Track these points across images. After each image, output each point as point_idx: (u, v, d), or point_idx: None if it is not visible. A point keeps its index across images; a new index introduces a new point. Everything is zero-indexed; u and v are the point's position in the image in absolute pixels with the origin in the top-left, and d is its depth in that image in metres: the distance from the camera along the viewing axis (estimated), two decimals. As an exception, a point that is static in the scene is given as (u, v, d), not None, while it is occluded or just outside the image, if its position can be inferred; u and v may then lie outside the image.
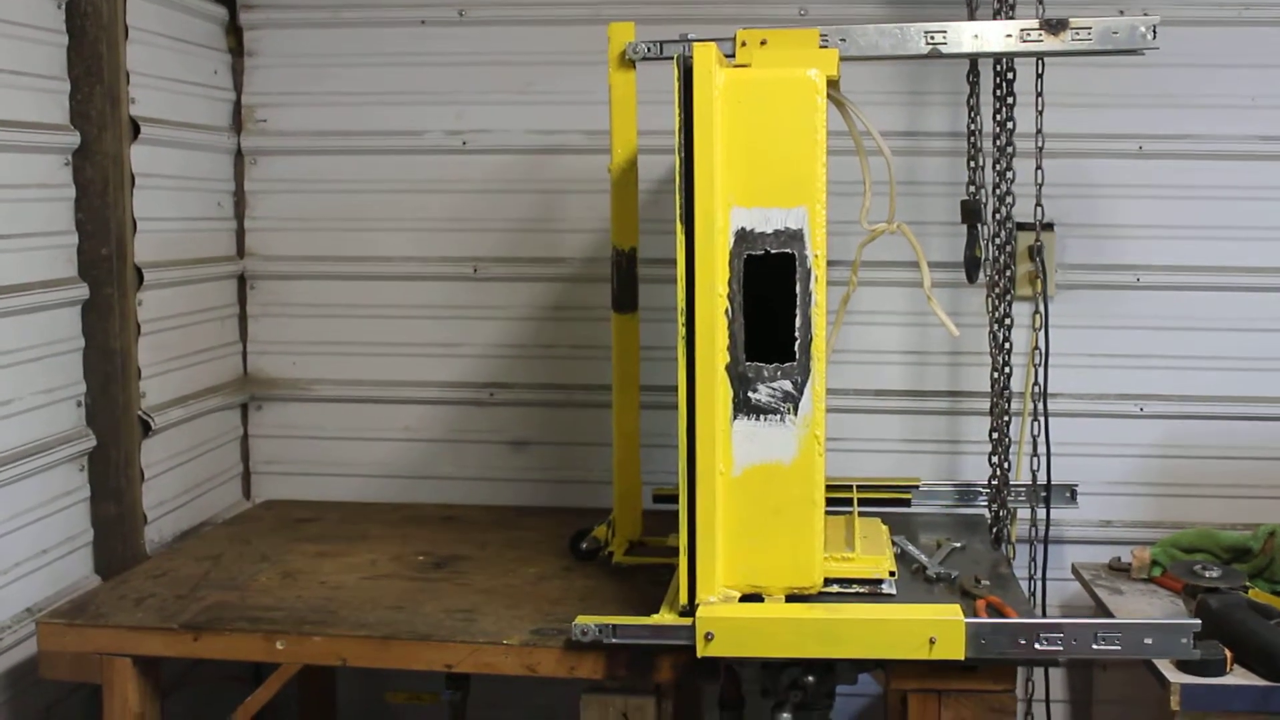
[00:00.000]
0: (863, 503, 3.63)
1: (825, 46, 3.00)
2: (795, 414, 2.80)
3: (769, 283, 2.78)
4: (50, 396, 3.40)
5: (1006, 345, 3.49)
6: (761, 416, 2.80)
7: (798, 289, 2.77)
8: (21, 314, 3.27)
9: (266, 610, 3.09)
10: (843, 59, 2.99)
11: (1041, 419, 3.52)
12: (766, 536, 2.82)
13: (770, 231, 2.76)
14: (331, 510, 4.07)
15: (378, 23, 4.19)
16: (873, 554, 3.10)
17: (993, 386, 3.54)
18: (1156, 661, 3.01)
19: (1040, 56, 3.29)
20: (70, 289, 3.46)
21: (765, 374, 2.79)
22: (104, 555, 3.58)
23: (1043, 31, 2.97)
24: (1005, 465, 3.55)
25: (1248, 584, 3.42)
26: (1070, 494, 3.80)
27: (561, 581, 3.31)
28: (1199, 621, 2.74)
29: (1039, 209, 3.45)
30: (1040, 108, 3.38)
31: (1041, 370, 3.48)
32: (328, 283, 4.29)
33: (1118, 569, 3.77)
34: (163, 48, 3.82)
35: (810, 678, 2.81)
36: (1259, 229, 3.95)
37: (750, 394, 2.80)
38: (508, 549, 3.61)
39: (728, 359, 2.79)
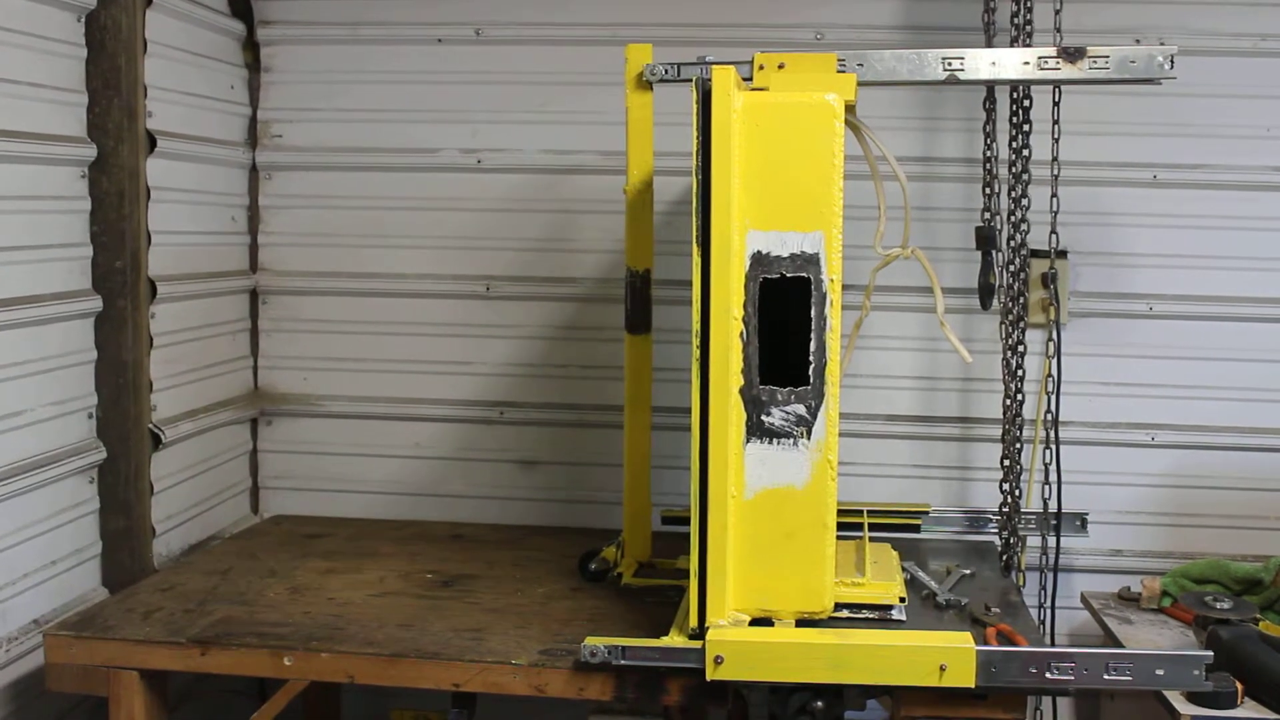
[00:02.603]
0: (873, 528, 3.62)
1: (843, 71, 3.01)
2: (808, 438, 2.79)
3: (784, 306, 2.78)
4: (62, 408, 3.40)
5: (1019, 372, 3.50)
6: (774, 440, 2.79)
7: (813, 313, 2.76)
8: (35, 325, 3.28)
9: (274, 626, 3.08)
10: (860, 84, 2.99)
11: (1053, 446, 3.52)
12: (777, 560, 2.82)
13: (786, 255, 2.75)
14: (340, 526, 4.06)
15: (394, 40, 4.20)
16: (883, 580, 3.10)
17: (1004, 413, 3.54)
18: (1167, 693, 2.99)
19: (1057, 84, 3.29)
20: (84, 301, 3.46)
21: (779, 398, 2.79)
22: (112, 568, 3.58)
23: (1060, 59, 2.97)
24: (1016, 492, 3.55)
25: (1259, 616, 3.40)
26: (1081, 522, 3.78)
27: (570, 602, 3.30)
28: (1211, 653, 2.73)
29: (1053, 236, 3.45)
30: (1056, 135, 3.39)
31: (1053, 398, 3.48)
32: (340, 299, 4.30)
33: (1127, 598, 3.76)
34: (180, 62, 3.83)
35: (819, 703, 2.79)
36: (1273, 259, 3.95)
37: (763, 417, 2.80)
38: (516, 568, 3.60)
39: (741, 382, 2.78)
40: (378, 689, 3.07)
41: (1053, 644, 3.64)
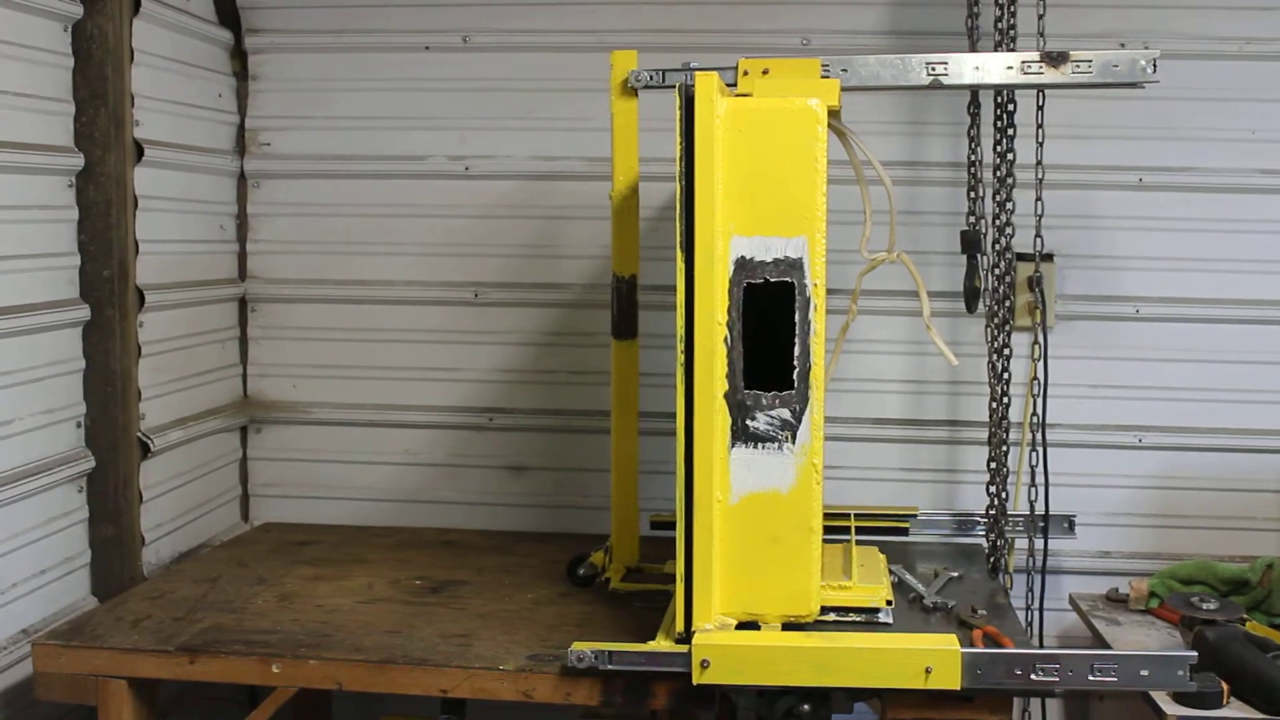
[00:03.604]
0: (860, 531, 3.62)
1: (827, 76, 3.02)
2: (793, 442, 2.80)
3: (768, 311, 2.79)
4: (50, 417, 3.40)
5: (1005, 375, 3.50)
6: (760, 445, 2.80)
7: (797, 317, 2.77)
8: (23, 334, 3.28)
9: (263, 633, 3.08)
10: (844, 89, 3.00)
11: (1040, 449, 3.52)
12: (763, 564, 2.82)
13: (770, 260, 2.76)
14: (329, 533, 4.06)
15: (382, 48, 4.21)
16: (870, 583, 3.10)
17: (991, 416, 3.55)
18: (1153, 693, 3.00)
19: (1041, 88, 3.30)
20: (72, 310, 3.47)
21: (764, 402, 2.80)
22: (101, 577, 3.58)
23: (1044, 64, 2.99)
24: (1003, 495, 3.56)
25: (1245, 616, 3.41)
26: (1068, 524, 3.80)
27: (558, 607, 3.31)
28: (1196, 653, 2.73)
29: (1039, 240, 3.46)
30: (1040, 139, 3.40)
31: (1040, 400, 3.49)
32: (328, 306, 4.30)
33: (1115, 600, 3.77)
34: (167, 71, 3.84)
35: (806, 706, 2.80)
36: (1258, 261, 3.97)
37: (749, 422, 2.80)
38: (505, 574, 3.61)
39: (726, 387, 2.79)
40: (367, 695, 3.07)
41: (1040, 646, 3.65)
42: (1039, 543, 3.60)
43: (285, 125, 4.29)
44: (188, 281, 3.97)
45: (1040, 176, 3.43)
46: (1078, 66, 2.99)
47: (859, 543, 3.45)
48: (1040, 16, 3.39)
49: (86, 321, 3.52)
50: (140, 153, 3.65)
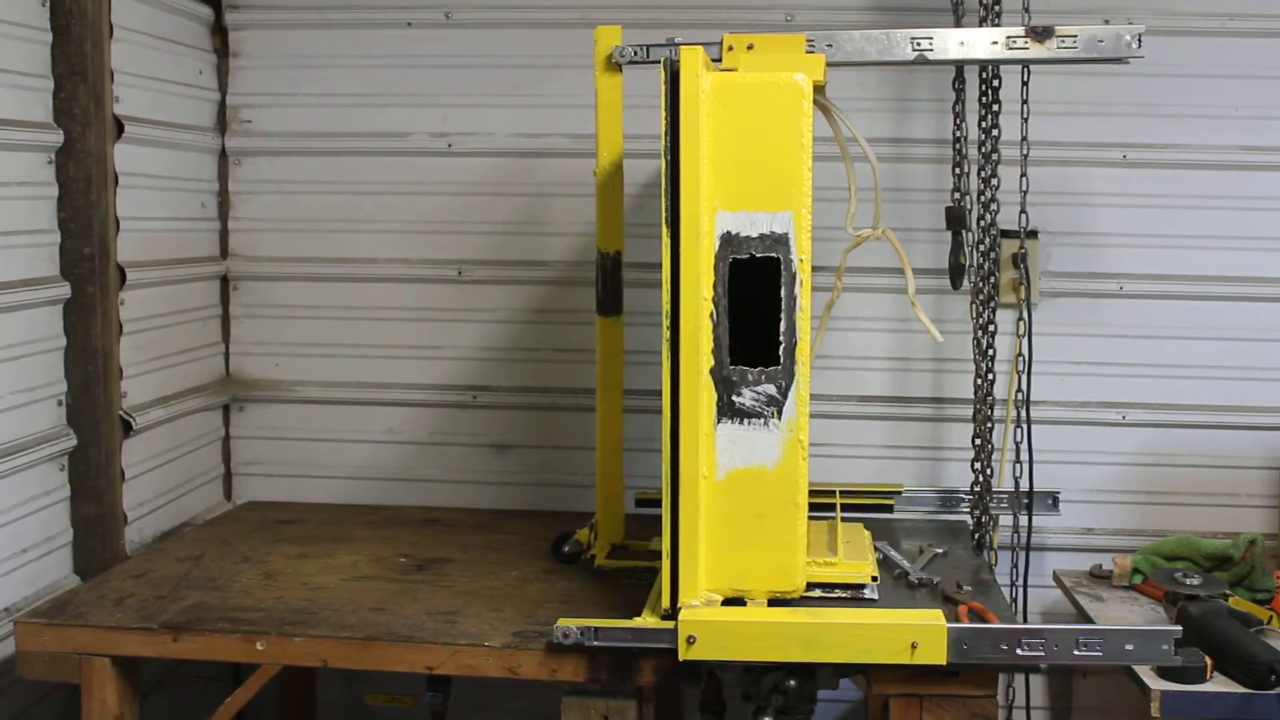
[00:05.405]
0: (846, 508, 3.63)
1: (812, 52, 3.01)
2: (779, 418, 2.80)
3: (754, 287, 2.78)
4: (31, 395, 3.38)
5: (990, 352, 3.51)
6: (745, 420, 2.80)
7: (782, 293, 2.76)
8: (3, 312, 3.25)
9: (247, 611, 3.07)
10: (829, 64, 2.99)
11: (1024, 426, 3.53)
12: (749, 540, 2.82)
13: (755, 235, 2.75)
14: (313, 512, 4.05)
15: (364, 24, 4.18)
16: (855, 559, 3.10)
17: (976, 393, 3.55)
18: (1137, 668, 3.01)
19: (1026, 64, 3.30)
20: (52, 288, 3.44)
21: (749, 378, 2.79)
22: (83, 555, 3.56)
23: (1029, 39, 2.98)
24: (988, 472, 3.57)
25: (1228, 592, 3.42)
26: (1052, 501, 3.81)
27: (543, 584, 3.30)
28: (1180, 628, 2.74)
29: (1023, 216, 3.46)
30: (1025, 115, 3.39)
31: (1024, 377, 3.49)
32: (311, 284, 4.28)
33: (1099, 576, 3.78)
34: (148, 47, 3.81)
35: (792, 682, 2.80)
36: (1241, 238, 3.97)
37: (734, 398, 2.80)
38: (490, 552, 3.60)
39: (712, 363, 2.78)
40: (352, 673, 3.08)
41: (1025, 622, 3.66)
42: (1023, 519, 3.61)
43: (266, 102, 4.26)
44: (169, 259, 3.95)
45: (1025, 153, 3.42)
46: (1063, 42, 2.99)
47: (844, 519, 3.46)
48: (1025, -9, 3.40)
49: (67, 299, 3.49)
50: (120, 129, 3.62)
